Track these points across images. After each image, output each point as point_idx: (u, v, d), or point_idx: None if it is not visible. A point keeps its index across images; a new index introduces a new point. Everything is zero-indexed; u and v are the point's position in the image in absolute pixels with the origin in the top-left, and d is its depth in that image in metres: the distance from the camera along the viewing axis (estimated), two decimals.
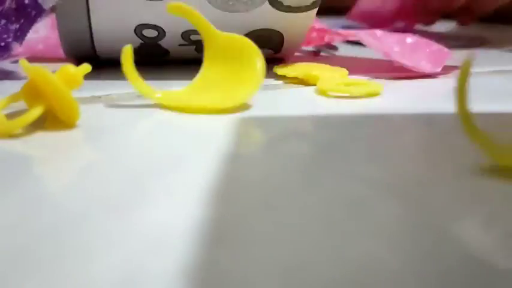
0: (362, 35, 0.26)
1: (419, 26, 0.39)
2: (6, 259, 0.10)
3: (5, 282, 0.09)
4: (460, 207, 0.12)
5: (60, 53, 0.26)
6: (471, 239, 0.11)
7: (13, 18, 0.25)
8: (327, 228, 0.11)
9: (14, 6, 0.25)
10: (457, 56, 0.31)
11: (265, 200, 0.12)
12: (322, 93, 0.21)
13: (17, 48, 0.24)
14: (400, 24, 0.37)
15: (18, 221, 0.11)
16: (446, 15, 0.37)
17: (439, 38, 0.31)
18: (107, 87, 0.22)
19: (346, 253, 0.10)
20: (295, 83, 0.23)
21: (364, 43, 0.26)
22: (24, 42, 0.24)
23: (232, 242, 0.10)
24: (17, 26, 0.25)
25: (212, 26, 0.19)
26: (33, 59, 0.22)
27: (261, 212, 0.12)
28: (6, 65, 0.26)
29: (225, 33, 0.19)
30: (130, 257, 0.10)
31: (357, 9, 0.38)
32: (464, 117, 0.15)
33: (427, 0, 0.35)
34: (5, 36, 0.25)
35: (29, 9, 0.25)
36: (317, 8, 0.23)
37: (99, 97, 0.21)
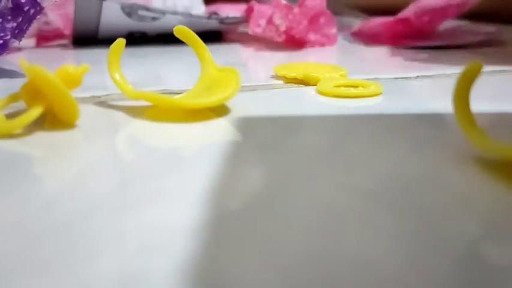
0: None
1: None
2: (6, 259, 0.10)
3: (5, 282, 0.09)
4: (459, 206, 0.12)
5: None
6: (471, 238, 0.11)
7: (9, 17, 0.25)
8: (327, 228, 0.11)
9: (10, 5, 0.25)
10: (456, 56, 0.31)
11: (263, 200, 0.12)
12: (322, 93, 0.21)
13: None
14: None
15: (18, 221, 0.11)
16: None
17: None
18: (107, 87, 0.22)
19: (346, 253, 0.10)
20: (295, 83, 0.23)
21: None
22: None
23: (230, 243, 0.10)
24: (14, 24, 0.25)
25: (209, 54, 0.21)
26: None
27: (260, 212, 0.12)
28: (6, 64, 0.26)
29: (218, 65, 0.21)
30: (129, 257, 0.10)
31: (360, 29, 0.41)
32: (463, 116, 0.15)
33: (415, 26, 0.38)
34: (2, 34, 0.25)
35: (27, 8, 0.25)
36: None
37: (99, 97, 0.21)
